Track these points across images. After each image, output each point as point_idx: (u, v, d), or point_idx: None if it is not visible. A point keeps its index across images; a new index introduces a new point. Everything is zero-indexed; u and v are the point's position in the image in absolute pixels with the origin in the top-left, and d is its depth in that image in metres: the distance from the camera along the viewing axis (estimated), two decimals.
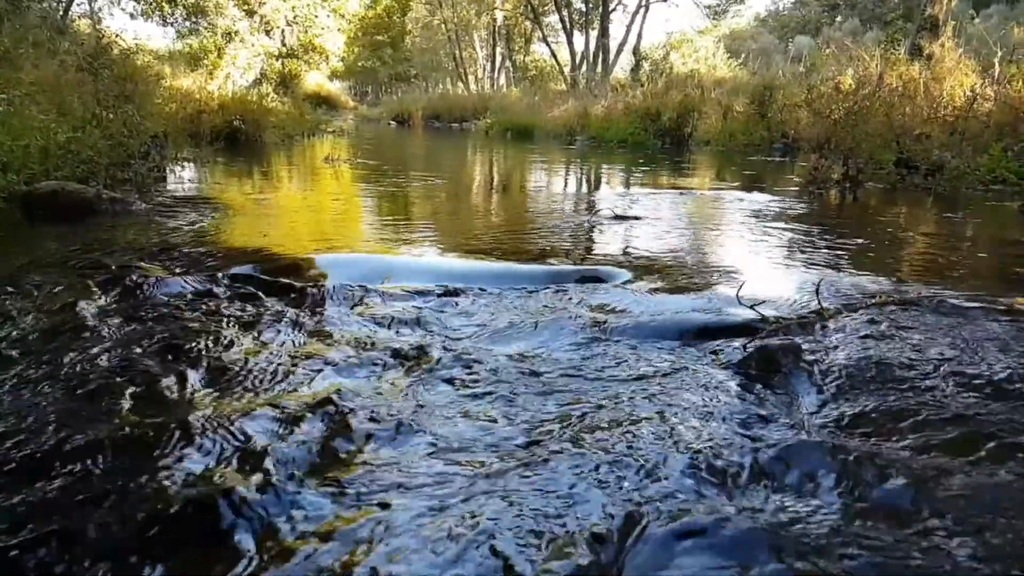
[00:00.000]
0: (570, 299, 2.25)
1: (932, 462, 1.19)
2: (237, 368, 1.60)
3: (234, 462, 1.16)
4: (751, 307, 1.98)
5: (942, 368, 1.59)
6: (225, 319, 1.95)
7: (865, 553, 0.94)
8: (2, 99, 4.06)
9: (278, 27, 24.24)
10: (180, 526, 0.98)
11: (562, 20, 22.87)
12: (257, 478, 1.09)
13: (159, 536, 0.96)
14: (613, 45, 20.65)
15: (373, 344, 1.78)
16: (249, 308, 2.06)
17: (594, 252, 3.18)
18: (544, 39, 26.24)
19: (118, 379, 1.51)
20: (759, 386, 1.54)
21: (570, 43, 22.75)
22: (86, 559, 0.92)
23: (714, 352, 1.76)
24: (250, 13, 22.68)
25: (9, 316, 1.92)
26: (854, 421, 1.37)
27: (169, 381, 1.51)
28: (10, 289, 2.19)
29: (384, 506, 1.06)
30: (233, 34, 21.82)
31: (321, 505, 1.06)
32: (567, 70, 22.71)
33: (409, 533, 0.99)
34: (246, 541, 0.97)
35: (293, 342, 1.81)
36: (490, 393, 1.50)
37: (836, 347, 1.71)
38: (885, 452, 1.22)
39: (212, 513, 1.00)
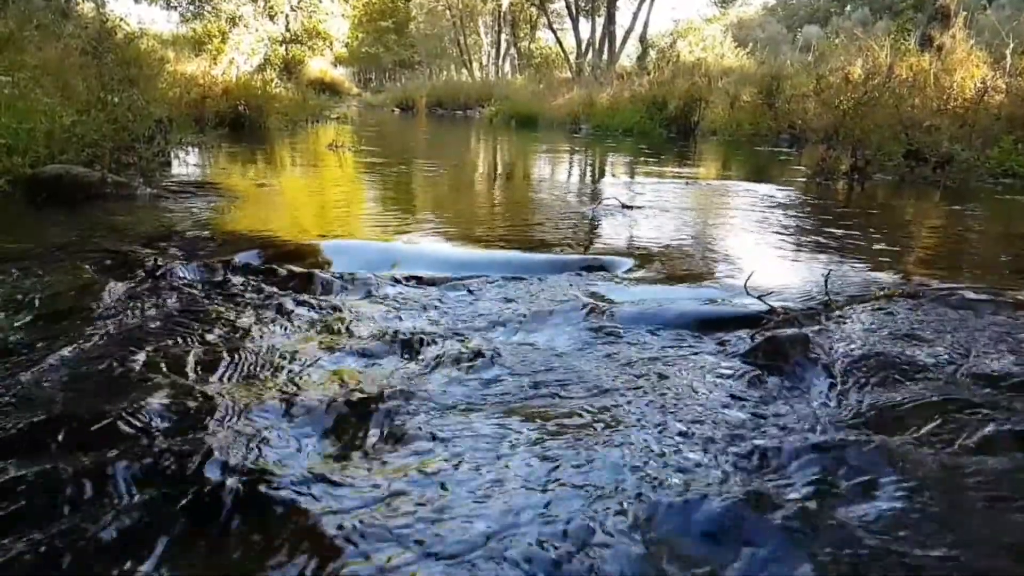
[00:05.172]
0: (576, 288, 2.24)
1: (941, 455, 1.19)
2: (241, 353, 1.60)
3: (249, 441, 1.17)
4: (759, 297, 1.97)
5: (951, 361, 1.58)
6: (231, 304, 1.95)
7: (871, 546, 0.93)
8: (7, 82, 4.04)
9: (282, 12, 24.09)
10: (203, 503, 0.99)
11: (568, 7, 22.68)
12: (271, 458, 1.09)
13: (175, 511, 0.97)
14: (619, 32, 20.50)
15: (380, 331, 1.77)
16: (254, 294, 2.06)
17: (599, 241, 3.16)
18: (550, 26, 26.02)
19: (123, 363, 1.51)
20: (767, 376, 1.53)
21: (576, 30, 22.57)
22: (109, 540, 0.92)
23: (721, 342, 1.75)
24: None
25: (16, 300, 1.92)
26: (863, 413, 1.36)
27: (175, 367, 1.51)
28: (15, 272, 2.19)
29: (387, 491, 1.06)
30: (237, 19, 21.69)
31: (336, 480, 1.06)
32: (572, 57, 22.55)
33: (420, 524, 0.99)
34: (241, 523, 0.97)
35: (299, 328, 1.81)
36: (496, 379, 1.50)
37: (845, 339, 1.70)
38: (894, 445, 1.21)
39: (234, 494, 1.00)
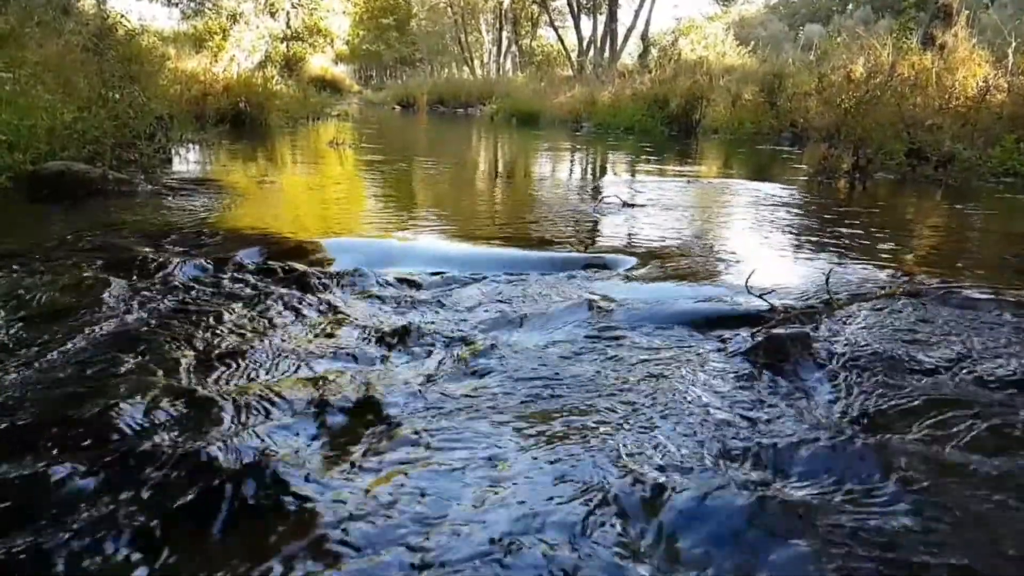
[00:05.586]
0: (577, 286, 2.24)
1: (941, 454, 1.19)
2: (239, 353, 1.60)
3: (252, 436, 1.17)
4: (760, 296, 1.97)
5: (952, 360, 1.58)
6: (231, 302, 1.95)
7: (871, 546, 0.93)
8: (8, 78, 4.04)
9: (283, 9, 24.01)
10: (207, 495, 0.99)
11: (569, 4, 22.64)
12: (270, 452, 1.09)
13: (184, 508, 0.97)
14: (621, 30, 20.45)
15: (380, 330, 1.77)
16: (254, 292, 2.06)
17: (601, 239, 3.16)
18: (551, 23, 26.00)
19: (122, 362, 1.51)
20: (767, 375, 1.53)
21: (577, 28, 22.54)
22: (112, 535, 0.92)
23: (722, 340, 1.75)
24: None
25: (17, 297, 1.92)
26: (863, 412, 1.36)
27: (174, 366, 1.51)
28: (16, 268, 2.19)
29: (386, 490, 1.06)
30: (238, 16, 21.62)
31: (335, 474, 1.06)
32: (574, 55, 22.53)
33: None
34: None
35: (299, 326, 1.81)
36: (496, 378, 1.50)
37: (846, 338, 1.70)
38: (894, 444, 1.21)
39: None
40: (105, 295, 1.92)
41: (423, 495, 1.05)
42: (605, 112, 12.34)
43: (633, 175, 6.10)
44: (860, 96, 5.87)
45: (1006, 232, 3.69)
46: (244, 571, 0.88)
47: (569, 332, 1.80)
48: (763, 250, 2.96)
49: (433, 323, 1.84)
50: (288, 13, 24.38)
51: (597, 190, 4.84)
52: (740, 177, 6.03)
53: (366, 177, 5.57)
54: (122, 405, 1.26)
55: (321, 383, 1.42)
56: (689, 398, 1.41)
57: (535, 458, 1.16)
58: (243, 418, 1.26)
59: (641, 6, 20.27)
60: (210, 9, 21.31)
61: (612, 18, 19.86)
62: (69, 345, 1.56)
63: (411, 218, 3.61)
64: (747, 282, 2.04)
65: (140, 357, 1.53)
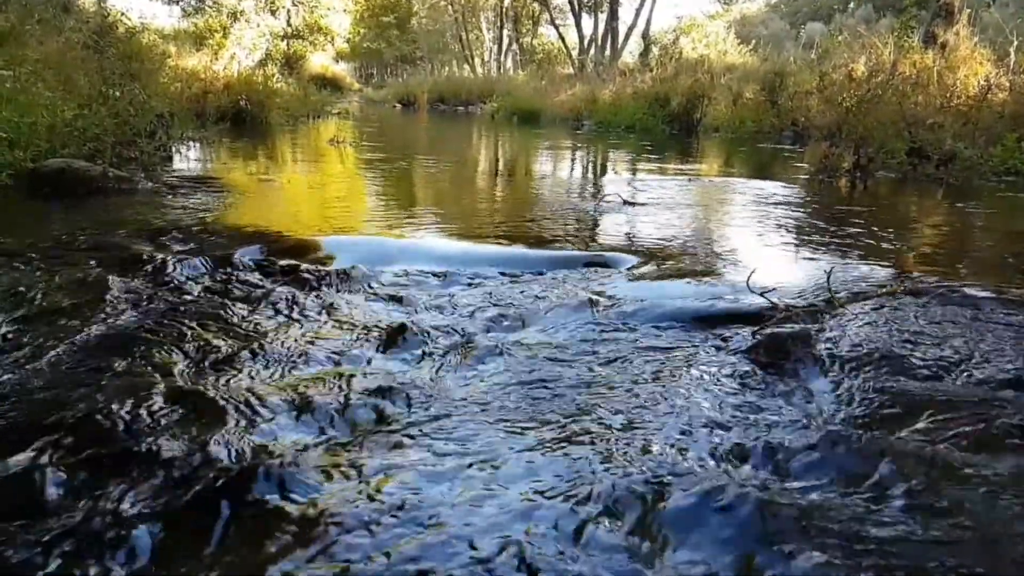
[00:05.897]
0: (578, 284, 2.23)
1: (942, 454, 1.18)
2: (237, 351, 1.60)
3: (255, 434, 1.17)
4: (761, 294, 1.96)
5: (953, 358, 1.58)
6: (231, 300, 1.95)
7: (871, 545, 0.93)
8: (9, 76, 4.04)
9: (284, 7, 23.99)
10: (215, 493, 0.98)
11: (570, 2, 22.63)
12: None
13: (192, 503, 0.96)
14: (622, 29, 20.44)
15: (379, 328, 1.77)
16: (254, 290, 2.06)
17: (602, 238, 3.16)
18: (552, 21, 25.99)
19: (120, 360, 1.50)
20: (768, 373, 1.53)
21: (578, 26, 22.53)
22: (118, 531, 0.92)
23: (723, 338, 1.75)
24: None
25: (17, 294, 1.92)
26: (864, 411, 1.36)
27: (173, 364, 1.51)
28: (16, 266, 2.19)
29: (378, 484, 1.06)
30: (239, 14, 21.61)
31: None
32: (575, 54, 22.51)
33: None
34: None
35: (297, 325, 1.80)
36: (496, 377, 1.49)
37: (847, 336, 1.70)
38: (895, 444, 1.21)
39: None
40: (104, 294, 1.92)
41: (423, 497, 1.04)
42: (606, 110, 12.33)
43: (634, 173, 6.10)
44: (861, 95, 5.86)
45: (1007, 231, 3.68)
46: (241, 573, 0.88)
47: (570, 331, 1.80)
48: (764, 249, 2.95)
49: (433, 322, 1.84)
50: (289, 11, 24.36)
51: (598, 188, 4.83)
52: (741, 176, 6.02)
53: (366, 175, 5.56)
54: (119, 405, 1.25)
55: (320, 383, 1.42)
56: (690, 397, 1.40)
57: (535, 459, 1.16)
58: (240, 418, 1.25)
59: (642, 4, 20.25)
60: (211, 7, 21.29)
61: (613, 16, 19.84)
62: (67, 344, 1.56)
63: (411, 216, 3.61)
64: (748, 280, 2.04)
65: (138, 357, 1.52)
